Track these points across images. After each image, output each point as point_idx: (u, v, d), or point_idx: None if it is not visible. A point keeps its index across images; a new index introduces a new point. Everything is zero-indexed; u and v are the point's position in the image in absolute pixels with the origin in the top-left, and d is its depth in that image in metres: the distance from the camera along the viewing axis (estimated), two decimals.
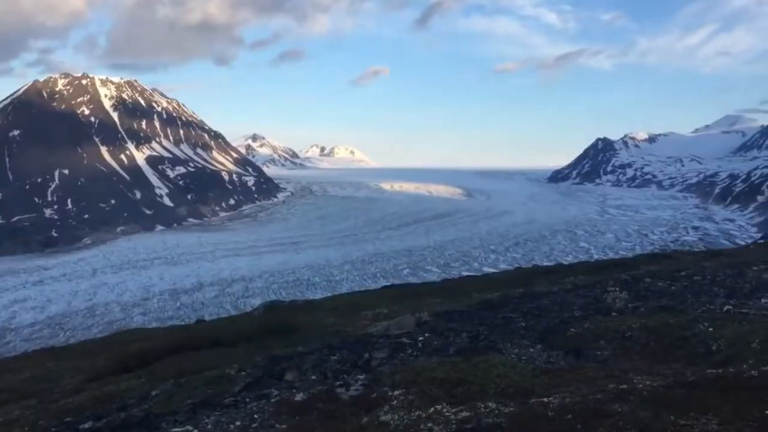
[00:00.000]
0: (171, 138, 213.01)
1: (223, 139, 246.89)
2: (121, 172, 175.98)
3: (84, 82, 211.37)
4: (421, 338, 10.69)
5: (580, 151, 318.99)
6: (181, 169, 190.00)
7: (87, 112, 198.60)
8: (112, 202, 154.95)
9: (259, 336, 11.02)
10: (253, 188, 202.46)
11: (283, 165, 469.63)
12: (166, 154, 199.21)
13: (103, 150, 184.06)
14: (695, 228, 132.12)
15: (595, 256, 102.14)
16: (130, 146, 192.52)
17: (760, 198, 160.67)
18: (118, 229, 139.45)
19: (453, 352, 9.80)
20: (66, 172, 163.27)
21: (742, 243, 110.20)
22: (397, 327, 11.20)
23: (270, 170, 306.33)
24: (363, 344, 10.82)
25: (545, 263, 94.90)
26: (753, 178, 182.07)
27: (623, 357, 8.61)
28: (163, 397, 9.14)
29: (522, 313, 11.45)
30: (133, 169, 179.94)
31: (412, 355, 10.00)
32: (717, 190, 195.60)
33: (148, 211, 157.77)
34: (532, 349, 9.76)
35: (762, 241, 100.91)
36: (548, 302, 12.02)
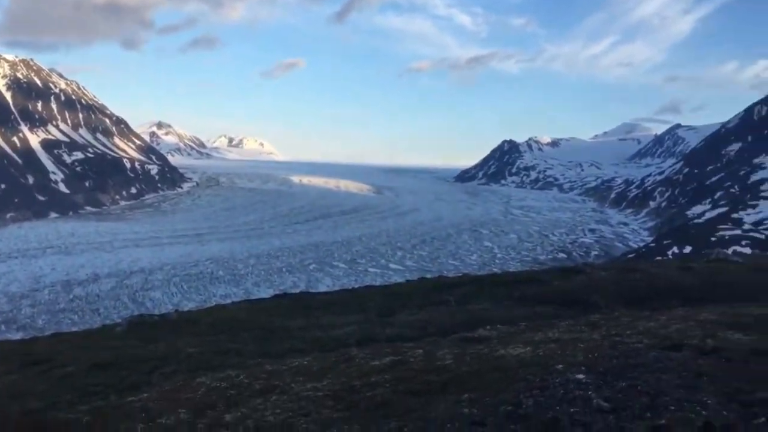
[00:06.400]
0: (69, 122, 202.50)
1: (126, 125, 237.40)
2: (13, 155, 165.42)
3: None
4: None
5: (487, 152, 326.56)
6: (79, 155, 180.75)
7: None
8: (2, 186, 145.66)
9: None
10: (157, 177, 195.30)
11: (189, 154, 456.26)
12: (63, 138, 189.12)
13: None
14: (592, 230, 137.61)
15: (499, 255, 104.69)
16: (24, 128, 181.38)
17: (652, 203, 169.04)
18: (8, 216, 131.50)
19: None
20: None
21: (635, 246, 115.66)
22: None
23: (175, 159, 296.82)
24: None
25: (450, 261, 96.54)
26: (646, 185, 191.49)
27: None
28: None
29: None
30: (27, 152, 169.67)
31: None
32: (613, 195, 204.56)
33: (41, 198, 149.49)
34: None
35: (653, 244, 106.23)
36: None
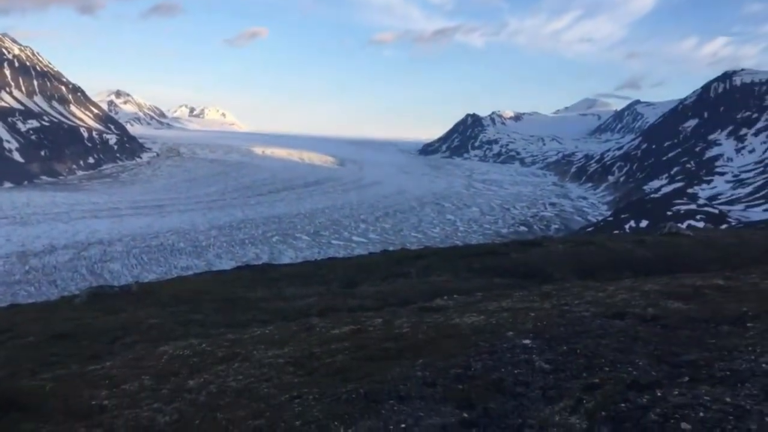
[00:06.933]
0: (23, 89, 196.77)
1: (83, 93, 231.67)
2: None
3: None
4: None
5: (451, 125, 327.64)
6: (34, 123, 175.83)
7: None
8: None
9: None
10: (115, 147, 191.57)
11: (148, 124, 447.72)
12: (17, 105, 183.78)
13: None
14: (552, 204, 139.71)
15: (461, 229, 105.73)
16: None
17: (610, 178, 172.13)
18: None
19: None
20: None
21: (594, 220, 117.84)
22: None
23: (134, 129, 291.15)
24: None
25: (413, 234, 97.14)
26: (605, 159, 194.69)
27: None
28: None
29: None
30: None
31: None
32: (573, 169, 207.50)
33: None
34: None
35: (611, 218, 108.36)
36: None
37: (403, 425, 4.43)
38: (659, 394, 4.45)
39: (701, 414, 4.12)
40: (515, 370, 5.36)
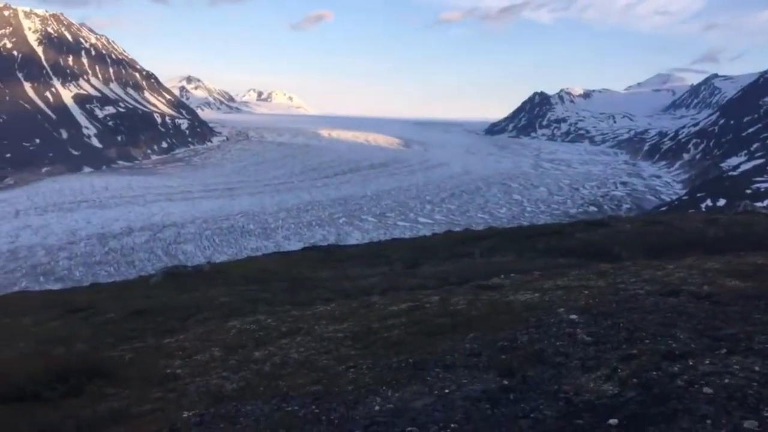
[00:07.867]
0: (100, 76, 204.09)
1: (156, 79, 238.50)
2: (47, 110, 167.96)
3: (6, 13, 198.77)
4: None
5: (518, 104, 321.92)
6: (110, 109, 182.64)
7: (9, 45, 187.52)
8: (37, 141, 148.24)
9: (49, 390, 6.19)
10: (187, 131, 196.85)
11: (218, 109, 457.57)
12: (94, 92, 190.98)
13: (27, 86, 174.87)
14: (624, 183, 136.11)
15: (528, 209, 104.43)
16: (56, 83, 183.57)
17: (686, 156, 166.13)
18: (43, 170, 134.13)
19: None
20: None
21: (668, 199, 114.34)
22: None
23: (205, 114, 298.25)
24: None
25: (479, 215, 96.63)
26: (680, 136, 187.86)
27: None
28: None
29: None
30: (60, 107, 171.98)
31: None
32: (646, 147, 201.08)
33: (75, 152, 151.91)
34: None
35: (686, 197, 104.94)
36: None
37: (446, 390, 4.74)
38: (691, 363, 4.60)
39: (726, 380, 4.25)
40: (557, 342, 5.57)
